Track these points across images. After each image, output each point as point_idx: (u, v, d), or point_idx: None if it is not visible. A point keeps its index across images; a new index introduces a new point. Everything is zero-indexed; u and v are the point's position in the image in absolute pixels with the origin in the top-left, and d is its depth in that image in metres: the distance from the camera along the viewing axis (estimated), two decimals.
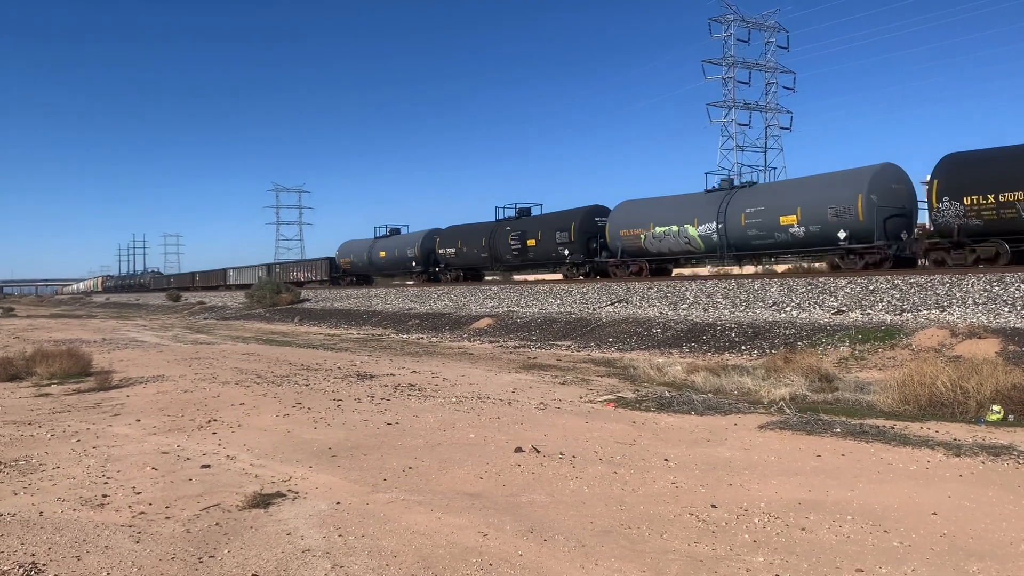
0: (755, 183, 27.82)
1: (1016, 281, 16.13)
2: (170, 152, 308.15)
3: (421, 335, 25.96)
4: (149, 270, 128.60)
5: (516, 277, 42.05)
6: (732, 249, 26.33)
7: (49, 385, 13.31)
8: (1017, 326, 13.87)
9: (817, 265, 30.27)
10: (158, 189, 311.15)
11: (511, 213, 37.81)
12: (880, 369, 12.94)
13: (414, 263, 44.63)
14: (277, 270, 63.16)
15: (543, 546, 4.95)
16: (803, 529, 5.19)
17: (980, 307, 15.45)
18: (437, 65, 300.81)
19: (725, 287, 22.36)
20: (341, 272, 52.99)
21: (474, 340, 23.20)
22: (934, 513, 5.45)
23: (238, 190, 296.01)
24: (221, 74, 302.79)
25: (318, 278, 55.06)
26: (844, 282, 19.56)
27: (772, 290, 20.71)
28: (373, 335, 27.10)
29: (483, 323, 25.61)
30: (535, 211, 37.29)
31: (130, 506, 5.96)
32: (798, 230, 23.91)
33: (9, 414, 10.36)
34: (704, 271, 34.29)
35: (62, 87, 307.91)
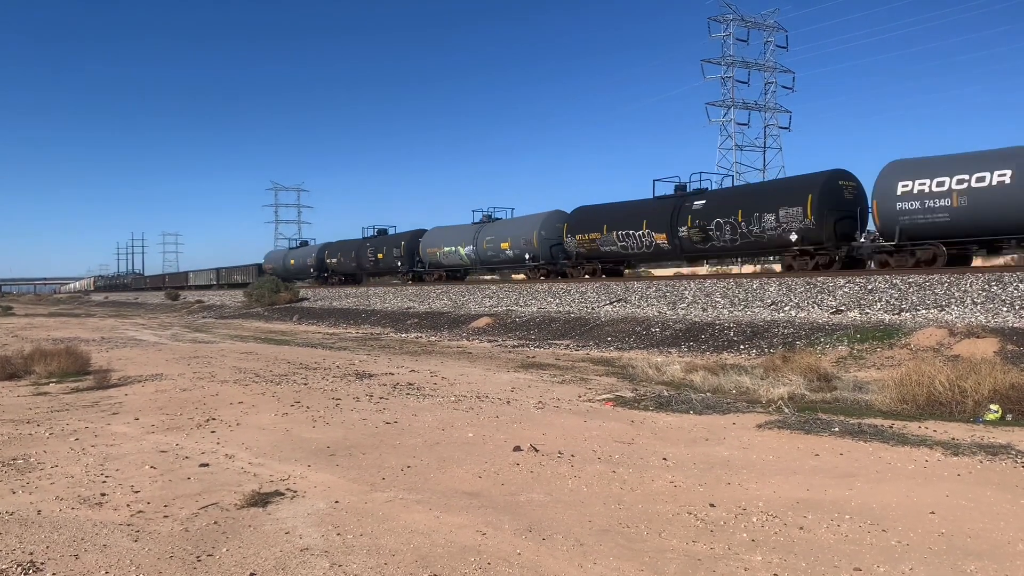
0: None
1: (1015, 281, 16.14)
2: (170, 151, 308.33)
3: (420, 334, 25.96)
4: (130, 272, 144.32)
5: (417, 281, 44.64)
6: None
7: (47, 384, 13.30)
8: (1015, 326, 13.88)
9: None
10: (158, 188, 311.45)
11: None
12: (878, 368, 12.95)
13: (312, 269, 55.77)
14: (223, 273, 75.20)
15: (541, 545, 4.95)
16: (801, 528, 5.20)
17: (979, 307, 15.46)
18: (434, 64, 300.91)
19: (724, 286, 22.37)
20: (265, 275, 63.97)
21: (473, 339, 23.20)
22: (932, 512, 5.46)
23: (237, 189, 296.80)
24: (220, 73, 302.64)
25: (247, 280, 64.49)
26: (843, 281, 19.58)
27: (771, 290, 20.72)
28: (372, 334, 27.10)
29: (482, 322, 25.62)
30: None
31: (128, 505, 5.96)
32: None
33: (7, 413, 10.35)
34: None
35: (61, 85, 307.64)
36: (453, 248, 39.06)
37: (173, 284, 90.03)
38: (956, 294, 16.46)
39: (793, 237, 23.75)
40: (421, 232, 42.83)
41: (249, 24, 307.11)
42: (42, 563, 4.74)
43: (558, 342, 20.64)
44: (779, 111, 70.15)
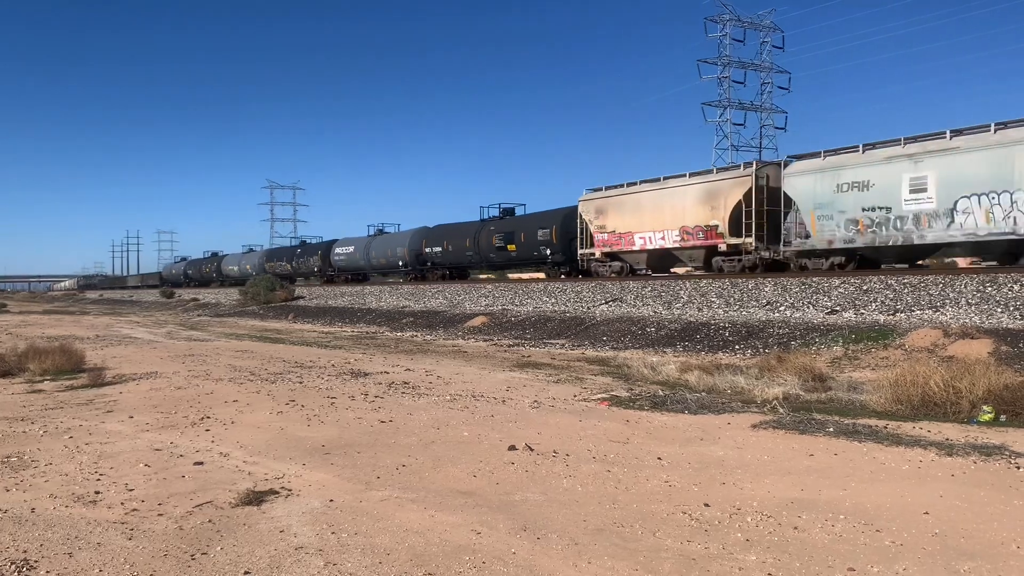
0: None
1: (1009, 282, 16.19)
2: (165, 148, 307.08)
3: (415, 333, 25.95)
4: (98, 274, 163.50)
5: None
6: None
7: (42, 382, 13.26)
8: (1010, 326, 13.92)
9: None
10: (153, 187, 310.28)
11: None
12: (873, 369, 12.97)
13: (183, 276, 73.42)
14: (163, 275, 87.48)
15: (536, 544, 4.95)
16: (796, 528, 5.21)
17: (973, 307, 15.50)
18: (431, 64, 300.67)
19: (719, 286, 22.40)
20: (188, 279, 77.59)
21: (468, 338, 23.20)
22: (926, 512, 5.47)
23: (234, 187, 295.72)
24: (215, 70, 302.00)
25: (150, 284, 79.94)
26: (838, 282, 19.61)
27: (766, 290, 20.75)
28: (367, 333, 27.08)
29: (477, 321, 25.61)
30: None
31: (123, 503, 5.95)
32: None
33: (1, 410, 10.32)
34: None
35: (56, 83, 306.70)
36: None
37: (134, 285, 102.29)
38: (951, 295, 16.50)
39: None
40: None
41: (248, 24, 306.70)
42: (36, 561, 4.73)
43: (553, 341, 20.65)
44: (775, 111, 70.15)
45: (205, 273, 73.88)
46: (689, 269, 27.83)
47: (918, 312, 16.05)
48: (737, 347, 16.51)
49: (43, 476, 6.81)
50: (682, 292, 22.86)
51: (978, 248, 20.51)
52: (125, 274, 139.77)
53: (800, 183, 22.71)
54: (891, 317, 16.17)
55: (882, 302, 17.25)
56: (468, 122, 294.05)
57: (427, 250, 42.27)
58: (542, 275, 35.93)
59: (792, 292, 19.91)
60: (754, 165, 25.18)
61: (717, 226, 25.15)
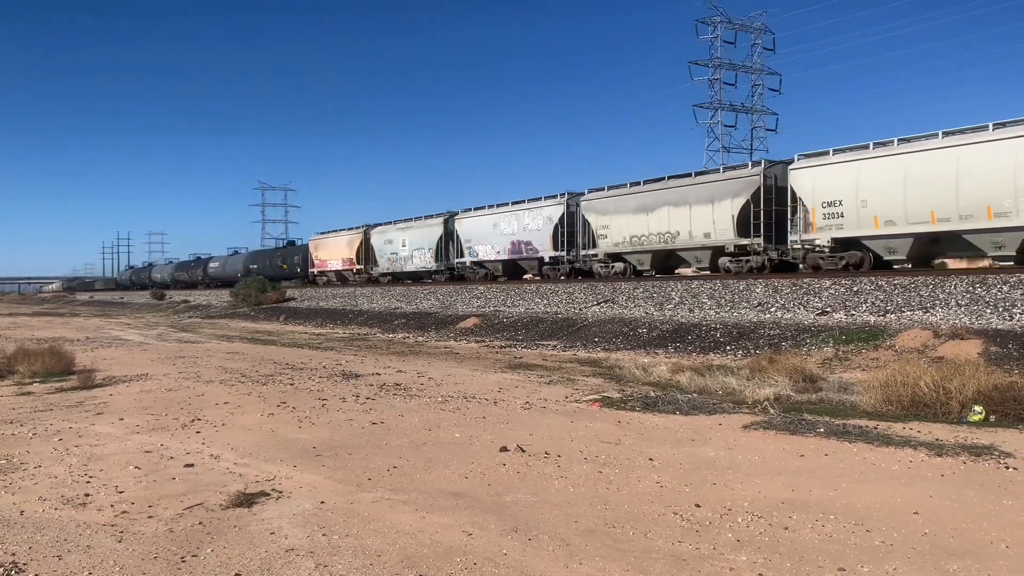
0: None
1: (999, 283, 16.27)
2: (157, 150, 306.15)
3: (407, 334, 25.92)
4: (91, 275, 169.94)
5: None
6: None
7: (31, 384, 13.20)
8: (999, 327, 13.99)
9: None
10: (145, 189, 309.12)
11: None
12: (864, 370, 13.02)
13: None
14: (118, 280, 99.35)
15: (527, 545, 4.95)
16: (786, 528, 5.22)
17: (963, 308, 15.57)
18: (422, 66, 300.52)
19: (711, 287, 22.45)
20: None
21: (460, 339, 23.19)
22: (916, 512, 5.50)
23: (225, 188, 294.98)
24: (209, 70, 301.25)
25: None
26: (828, 283, 19.68)
27: (757, 291, 20.81)
28: (359, 334, 27.04)
29: (469, 323, 25.60)
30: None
31: (112, 505, 5.92)
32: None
33: None
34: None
35: (48, 86, 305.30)
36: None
37: (100, 287, 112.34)
38: (941, 296, 16.58)
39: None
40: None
41: (238, 28, 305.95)
42: (25, 564, 4.71)
43: (545, 343, 20.65)
44: (766, 113, 70.30)
45: (144, 279, 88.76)
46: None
47: (908, 313, 16.12)
48: (728, 348, 16.55)
49: (32, 478, 6.78)
50: (674, 293, 22.90)
51: None
52: (115, 275, 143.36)
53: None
54: (881, 318, 16.23)
55: (872, 303, 17.32)
56: (458, 122, 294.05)
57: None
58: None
59: (783, 293, 19.97)
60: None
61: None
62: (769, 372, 11.93)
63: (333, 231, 51.74)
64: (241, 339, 25.66)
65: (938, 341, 13.72)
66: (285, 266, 57.15)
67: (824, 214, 21.98)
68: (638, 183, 29.15)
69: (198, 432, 8.85)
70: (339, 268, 49.49)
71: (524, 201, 34.55)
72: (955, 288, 16.76)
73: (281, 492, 6.25)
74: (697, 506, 5.75)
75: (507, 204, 35.48)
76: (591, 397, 11.12)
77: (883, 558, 4.66)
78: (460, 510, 5.73)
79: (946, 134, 19.63)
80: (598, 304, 24.10)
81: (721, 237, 25.24)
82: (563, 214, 31.78)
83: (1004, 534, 5.04)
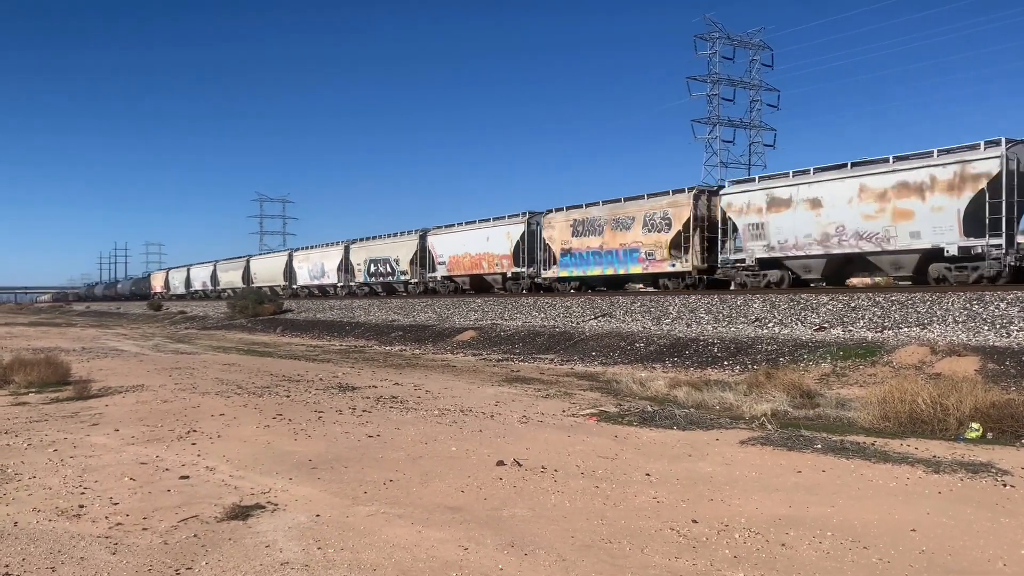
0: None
1: (995, 300, 16.30)
2: (156, 160, 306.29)
3: (404, 347, 25.89)
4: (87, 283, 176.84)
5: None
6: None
7: (27, 394, 13.16)
8: (996, 344, 14.00)
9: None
10: (142, 199, 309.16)
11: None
12: (861, 386, 13.01)
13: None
14: (55, 296, 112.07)
15: (524, 560, 4.93)
16: (783, 545, 5.21)
17: (960, 325, 15.58)
18: (421, 78, 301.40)
19: (708, 302, 22.46)
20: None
21: (457, 352, 23.16)
22: (913, 530, 5.48)
23: (223, 199, 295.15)
24: (207, 83, 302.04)
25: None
26: (826, 299, 19.70)
27: (755, 306, 20.82)
28: (356, 347, 27.00)
29: (466, 335, 25.58)
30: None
31: (107, 517, 5.89)
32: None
33: None
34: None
35: (48, 93, 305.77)
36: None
37: (61, 299, 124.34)
38: (938, 312, 16.60)
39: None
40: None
41: (237, 37, 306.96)
42: (18, 575, 4.68)
43: (543, 356, 20.64)
44: (764, 129, 70.40)
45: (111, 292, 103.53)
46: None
47: (905, 329, 16.13)
48: (726, 363, 16.54)
49: (27, 489, 6.74)
50: (671, 308, 22.91)
51: None
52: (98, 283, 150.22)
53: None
54: (879, 334, 16.24)
55: (870, 319, 17.33)
56: (455, 134, 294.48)
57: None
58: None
59: (780, 309, 19.98)
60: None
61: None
62: (766, 387, 11.92)
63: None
64: (237, 351, 25.61)
65: (935, 358, 13.72)
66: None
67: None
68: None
69: (193, 444, 8.82)
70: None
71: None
72: (952, 305, 16.77)
73: (276, 505, 6.23)
74: (694, 522, 5.73)
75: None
76: (588, 411, 11.11)
77: (880, 575, 4.65)
78: (456, 524, 5.70)
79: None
80: (595, 318, 24.10)
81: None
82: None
83: (1001, 552, 5.03)
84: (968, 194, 19.09)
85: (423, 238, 40.56)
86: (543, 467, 7.56)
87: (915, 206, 19.73)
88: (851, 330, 17.02)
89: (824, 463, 7.65)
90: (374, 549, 5.14)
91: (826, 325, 17.79)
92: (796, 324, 18.50)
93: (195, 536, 5.42)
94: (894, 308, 17.60)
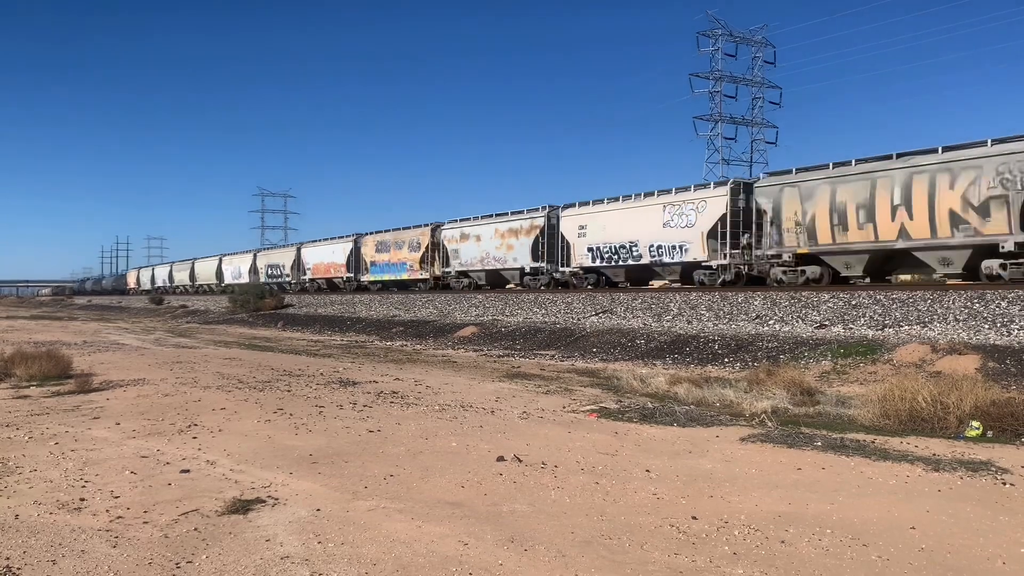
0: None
1: (996, 298, 16.29)
2: (158, 154, 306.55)
3: (405, 342, 25.90)
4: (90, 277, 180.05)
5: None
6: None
7: (28, 387, 13.17)
8: (997, 343, 14.00)
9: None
10: (145, 194, 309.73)
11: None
12: (861, 384, 13.01)
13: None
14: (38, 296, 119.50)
15: (524, 556, 4.94)
16: (783, 542, 5.21)
17: (961, 323, 15.58)
18: (424, 74, 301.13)
19: (709, 299, 22.46)
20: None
21: (458, 348, 23.17)
22: (913, 528, 5.49)
23: (225, 194, 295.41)
24: (210, 77, 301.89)
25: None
26: (827, 296, 19.69)
27: (756, 303, 20.82)
28: (357, 342, 27.01)
29: (467, 331, 25.59)
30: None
31: (108, 510, 5.91)
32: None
33: None
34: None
35: (51, 86, 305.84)
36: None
37: (58, 292, 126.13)
38: (939, 311, 16.59)
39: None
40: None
41: (241, 31, 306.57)
42: (19, 568, 4.69)
43: (543, 352, 20.64)
44: (766, 126, 70.31)
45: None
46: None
47: (906, 327, 16.13)
48: (726, 360, 16.54)
49: (27, 482, 6.76)
50: (672, 305, 22.91)
51: None
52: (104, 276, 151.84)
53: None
54: (880, 332, 16.24)
55: (871, 317, 17.33)
56: (458, 131, 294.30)
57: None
58: None
59: (781, 306, 19.98)
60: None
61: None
62: (767, 385, 11.93)
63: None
64: (239, 345, 25.63)
65: (936, 356, 13.72)
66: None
67: None
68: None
69: (194, 438, 8.83)
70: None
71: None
72: (953, 303, 16.77)
73: (277, 499, 6.24)
74: (694, 518, 5.74)
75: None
76: (588, 408, 11.11)
77: (880, 573, 4.65)
78: (456, 519, 5.71)
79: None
80: (596, 315, 24.10)
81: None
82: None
83: (1001, 550, 5.03)
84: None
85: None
86: (543, 463, 7.57)
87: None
88: (852, 328, 17.02)
89: (824, 460, 7.65)
90: (374, 543, 5.15)
91: (827, 323, 17.79)
92: (797, 321, 18.50)
93: (196, 530, 5.43)
94: (895, 306, 17.59)
